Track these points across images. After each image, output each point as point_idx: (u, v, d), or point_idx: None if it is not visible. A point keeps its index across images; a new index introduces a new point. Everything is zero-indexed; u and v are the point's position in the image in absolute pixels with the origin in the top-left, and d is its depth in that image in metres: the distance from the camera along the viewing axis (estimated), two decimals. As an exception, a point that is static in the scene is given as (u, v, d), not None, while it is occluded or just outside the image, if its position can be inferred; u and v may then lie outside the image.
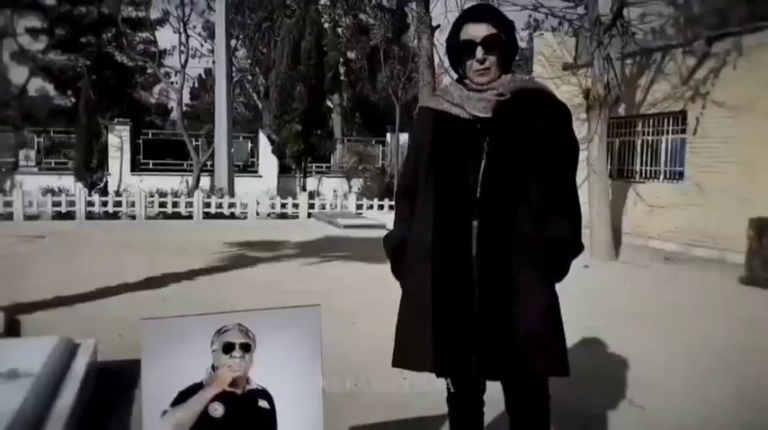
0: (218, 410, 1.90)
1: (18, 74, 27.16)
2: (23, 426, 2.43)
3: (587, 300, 6.07)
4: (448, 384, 2.13)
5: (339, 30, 22.75)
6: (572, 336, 4.43)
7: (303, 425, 1.99)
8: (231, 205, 14.10)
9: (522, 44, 19.54)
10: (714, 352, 4.50)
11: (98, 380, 3.55)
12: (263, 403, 1.95)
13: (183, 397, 1.89)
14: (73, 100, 30.79)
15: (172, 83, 18.61)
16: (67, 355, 3.32)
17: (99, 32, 28.78)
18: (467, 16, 1.96)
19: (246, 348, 1.94)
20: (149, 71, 30.85)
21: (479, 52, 1.92)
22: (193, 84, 30.15)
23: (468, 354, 1.90)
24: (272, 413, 1.96)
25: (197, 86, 32.34)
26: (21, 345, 3.50)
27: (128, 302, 5.53)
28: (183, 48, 17.41)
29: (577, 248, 2.05)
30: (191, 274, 6.76)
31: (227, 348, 1.92)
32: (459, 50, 1.97)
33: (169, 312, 5.00)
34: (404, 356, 2.04)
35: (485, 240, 1.92)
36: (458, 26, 1.97)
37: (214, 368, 1.92)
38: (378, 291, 6.16)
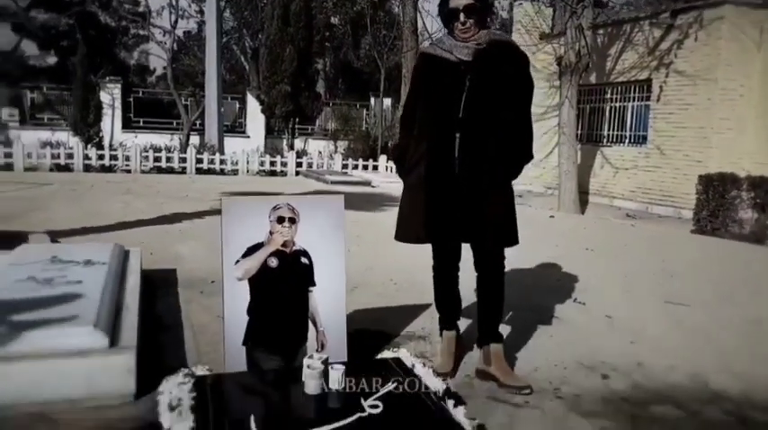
0: (273, 262, 2.70)
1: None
2: (110, 295, 3.20)
3: (549, 239, 6.98)
4: (435, 257, 2.96)
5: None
6: (534, 261, 5.35)
7: (332, 275, 2.79)
8: (222, 161, 14.75)
9: (503, 13, 20.15)
10: (648, 274, 5.42)
11: (143, 280, 4.32)
12: (304, 259, 2.75)
13: (249, 251, 2.67)
14: (55, 59, 30.74)
15: (161, 43, 18.89)
16: (124, 254, 4.09)
17: (82, -10, 28.65)
18: (453, -11, 2.73)
19: (293, 221, 2.73)
20: (132, 32, 30.88)
21: (462, 17, 2.70)
22: (173, 46, 30.29)
23: (451, 226, 2.72)
24: (310, 267, 2.76)
25: (176, 48, 32.43)
26: (86, 246, 4.26)
27: (148, 233, 6.25)
28: (172, 9, 17.73)
29: (528, 156, 2.87)
30: (199, 214, 7.50)
31: (280, 220, 2.71)
32: (448, 14, 2.74)
33: (185, 243, 5.78)
34: (405, 231, 2.85)
35: (464, 147, 2.73)
36: (447, -5, 2.75)
37: (271, 233, 2.71)
38: (366, 230, 7.03)
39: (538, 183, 14.82)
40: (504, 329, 3.47)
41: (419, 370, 2.36)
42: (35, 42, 29.80)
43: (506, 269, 4.36)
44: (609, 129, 13.12)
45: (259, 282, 2.68)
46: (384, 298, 4.19)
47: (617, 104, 12.89)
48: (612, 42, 12.71)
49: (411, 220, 2.84)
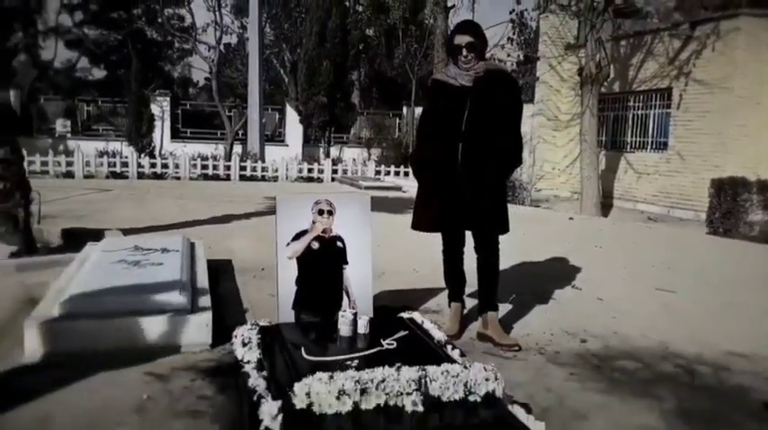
0: (315, 245, 3.45)
1: (52, 47, 28.61)
2: (187, 273, 3.99)
3: (563, 238, 7.61)
4: (444, 241, 3.68)
5: (359, 7, 24.01)
6: (545, 256, 6.01)
7: (361, 256, 3.53)
8: (264, 169, 15.73)
9: (533, 23, 20.72)
10: (647, 267, 6.01)
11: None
12: (339, 243, 3.50)
13: (297, 237, 3.43)
14: (105, 72, 32.44)
15: (207, 58, 20.11)
16: (191, 245, 4.92)
17: (129, 8, 30.27)
18: (457, 30, 3.46)
19: (330, 213, 3.48)
20: (176, 46, 32.40)
21: (464, 51, 3.43)
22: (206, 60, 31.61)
23: (456, 217, 3.44)
24: (344, 249, 3.50)
25: (216, 62, 33.81)
26: (160, 237, 5.10)
27: (204, 231, 7.08)
28: (217, 25, 18.90)
29: (517, 162, 3.57)
30: (246, 215, 8.35)
31: (320, 212, 3.46)
32: (454, 49, 3.47)
33: (236, 239, 6.59)
34: (420, 222, 3.58)
35: (465, 154, 3.44)
36: (453, 35, 3.47)
37: (313, 222, 3.46)
38: (394, 229, 7.73)
39: (564, 188, 15.36)
40: (505, 307, 4.18)
41: (427, 325, 3.08)
42: (87, 57, 31.55)
43: (517, 261, 5.09)
44: (632, 136, 13.62)
45: (304, 260, 3.44)
46: (406, 283, 4.91)
47: (639, 112, 13.38)
48: (634, 53, 13.23)
49: (424, 213, 3.58)
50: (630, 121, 13.61)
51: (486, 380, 2.22)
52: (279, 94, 27.58)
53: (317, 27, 16.23)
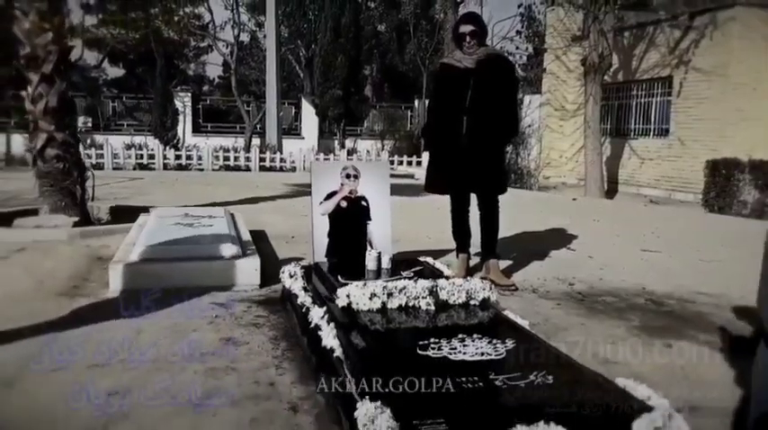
0: (343, 204, 4.12)
1: (78, 46, 29.44)
2: (235, 230, 4.69)
3: (564, 214, 8.23)
4: (451, 201, 4.33)
5: (372, 3, 24.66)
6: (545, 226, 6.64)
7: (382, 213, 4.20)
8: (282, 160, 16.45)
9: (541, 17, 21.26)
10: (639, 235, 6.62)
11: (243, 236, 5.81)
12: (363, 203, 4.16)
13: (328, 197, 4.11)
14: (123, 71, 33.33)
15: (225, 55, 20.84)
16: (232, 214, 5.61)
17: (146, 8, 31.12)
18: (461, 20, 4.11)
19: (356, 177, 4.15)
20: (192, 44, 33.24)
21: (467, 38, 4.07)
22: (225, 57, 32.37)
23: (462, 181, 4.10)
24: (368, 208, 4.17)
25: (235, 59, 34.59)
26: (206, 209, 5.81)
27: (236, 209, 7.74)
28: (234, 24, 19.66)
29: (514, 133, 4.23)
30: (272, 198, 9.05)
31: (347, 176, 4.13)
32: (459, 36, 4.12)
33: (266, 215, 7.27)
34: (431, 186, 4.25)
35: (469, 126, 4.09)
36: (457, 24, 4.13)
37: (341, 185, 4.14)
38: (406, 209, 8.44)
39: (571, 175, 15.93)
40: (506, 263, 4.82)
41: (438, 265, 3.74)
42: (106, 57, 32.39)
43: (520, 230, 5.74)
44: (635, 123, 14.17)
45: (334, 216, 4.11)
46: (419, 246, 5.56)
47: (642, 100, 13.93)
48: (636, 43, 13.76)
49: (435, 178, 4.24)
50: (634, 109, 14.16)
51: (483, 289, 2.88)
52: (293, 89, 28.34)
53: (331, 23, 16.93)
